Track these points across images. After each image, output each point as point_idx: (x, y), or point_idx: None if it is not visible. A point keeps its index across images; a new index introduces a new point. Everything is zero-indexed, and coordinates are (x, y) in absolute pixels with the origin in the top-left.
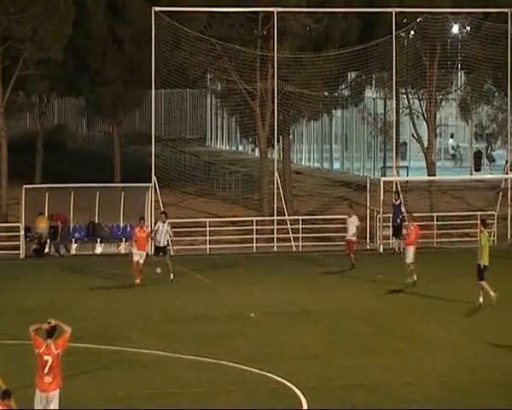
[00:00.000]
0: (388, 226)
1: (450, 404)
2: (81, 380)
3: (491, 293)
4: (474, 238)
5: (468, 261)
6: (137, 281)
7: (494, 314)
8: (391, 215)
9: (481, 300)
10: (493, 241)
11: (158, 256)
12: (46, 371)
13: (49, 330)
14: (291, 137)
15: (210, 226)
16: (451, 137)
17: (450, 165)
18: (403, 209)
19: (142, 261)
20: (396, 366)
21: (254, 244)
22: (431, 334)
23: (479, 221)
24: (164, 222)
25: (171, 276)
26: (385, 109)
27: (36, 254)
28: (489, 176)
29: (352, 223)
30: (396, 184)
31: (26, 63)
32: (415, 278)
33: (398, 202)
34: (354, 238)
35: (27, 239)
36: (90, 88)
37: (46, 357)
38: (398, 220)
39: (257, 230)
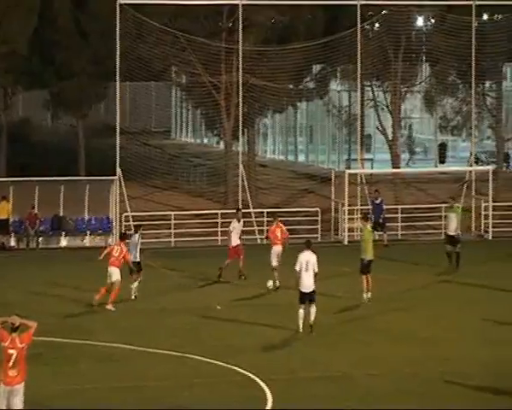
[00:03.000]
0: (353, 219)
1: (414, 396)
2: (47, 374)
3: (365, 295)
4: (438, 230)
5: (432, 253)
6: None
7: (465, 306)
8: (369, 211)
9: (365, 296)
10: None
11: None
12: (11, 364)
13: (14, 326)
14: (256, 129)
15: (175, 219)
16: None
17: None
18: (384, 207)
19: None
20: (361, 357)
21: (219, 237)
22: (397, 326)
23: (360, 216)
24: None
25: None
26: (349, 102)
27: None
28: (453, 168)
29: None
30: (362, 183)
31: None
32: (277, 283)
33: (379, 200)
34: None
35: None
36: (55, 81)
37: (11, 351)
38: (381, 218)
39: (222, 222)
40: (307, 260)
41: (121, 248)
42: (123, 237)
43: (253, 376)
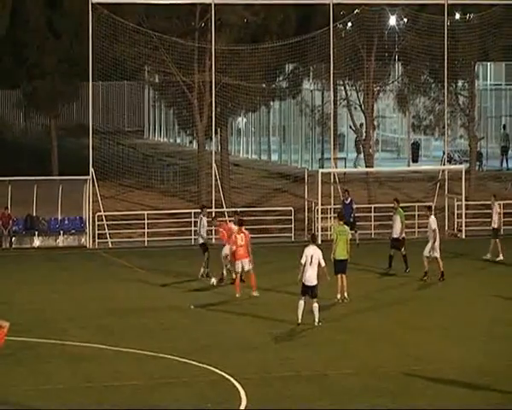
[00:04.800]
0: (326, 218)
1: (390, 394)
2: (19, 374)
3: (339, 295)
4: (411, 229)
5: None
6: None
7: (436, 305)
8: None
9: (338, 296)
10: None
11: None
12: None
13: None
14: (229, 129)
15: (148, 219)
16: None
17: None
18: (354, 206)
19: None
20: (335, 357)
21: (192, 236)
22: (370, 325)
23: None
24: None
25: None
26: (322, 101)
27: None
28: (426, 167)
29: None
30: (335, 182)
31: None
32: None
33: (348, 200)
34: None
35: None
36: (27, 80)
37: None
38: (351, 217)
39: (195, 222)
40: (312, 254)
41: (244, 234)
42: (241, 222)
43: (227, 376)
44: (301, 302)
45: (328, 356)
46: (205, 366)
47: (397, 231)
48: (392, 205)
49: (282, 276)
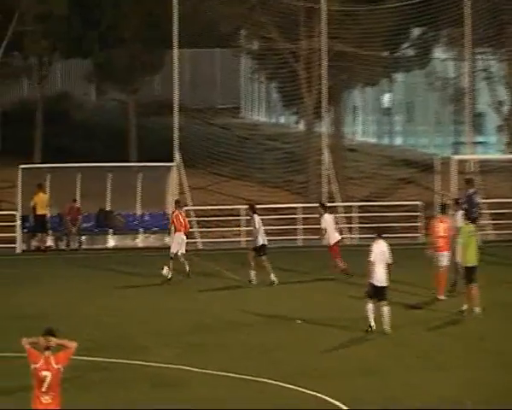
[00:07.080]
0: None
1: None
2: (90, 401)
3: (465, 306)
4: None
5: None
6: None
7: None
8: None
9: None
10: None
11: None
12: (44, 389)
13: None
14: (343, 106)
15: (246, 215)
16: None
17: None
18: (478, 199)
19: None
20: (473, 381)
21: (299, 236)
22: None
23: None
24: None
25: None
26: (457, 73)
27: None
28: None
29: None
30: (473, 172)
31: (23, 18)
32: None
33: (472, 190)
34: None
35: (25, 230)
36: (100, 48)
37: (44, 373)
38: (474, 212)
39: (302, 219)
40: (382, 251)
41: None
42: (444, 208)
43: (342, 405)
44: (370, 306)
45: (466, 381)
46: (314, 392)
47: None
48: None
49: (411, 288)
